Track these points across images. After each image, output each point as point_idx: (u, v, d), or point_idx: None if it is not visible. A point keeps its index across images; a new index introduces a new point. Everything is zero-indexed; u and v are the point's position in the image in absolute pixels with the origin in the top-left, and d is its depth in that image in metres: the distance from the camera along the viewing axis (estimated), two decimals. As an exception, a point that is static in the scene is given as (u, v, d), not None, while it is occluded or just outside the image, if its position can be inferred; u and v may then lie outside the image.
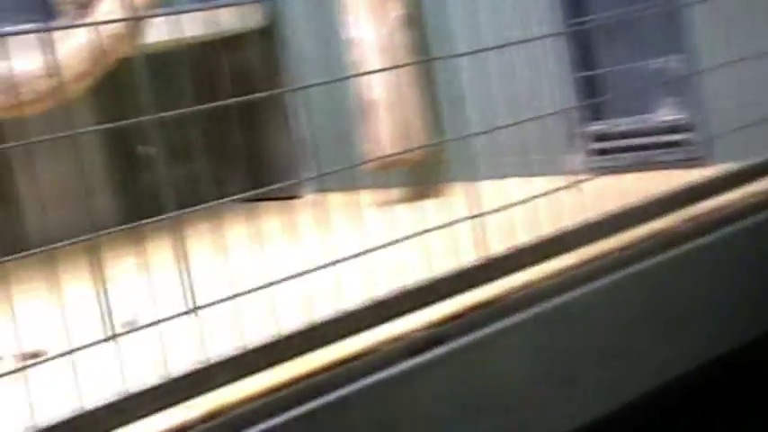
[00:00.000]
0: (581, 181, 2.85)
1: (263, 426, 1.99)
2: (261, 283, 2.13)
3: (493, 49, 2.96)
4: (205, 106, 2.22)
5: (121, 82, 4.03)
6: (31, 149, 4.61)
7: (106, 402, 1.88)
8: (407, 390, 2.24)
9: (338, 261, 2.26)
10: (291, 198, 4.83)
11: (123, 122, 2.13)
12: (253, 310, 2.11)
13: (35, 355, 2.72)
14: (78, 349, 1.88)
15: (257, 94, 2.34)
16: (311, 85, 3.11)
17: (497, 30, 3.66)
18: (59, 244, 1.91)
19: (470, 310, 2.39)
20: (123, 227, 2.06)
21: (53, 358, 1.91)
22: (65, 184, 4.06)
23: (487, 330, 2.36)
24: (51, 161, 4.52)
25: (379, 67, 4.13)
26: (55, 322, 1.97)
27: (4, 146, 2.08)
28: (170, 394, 1.95)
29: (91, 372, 1.95)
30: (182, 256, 2.05)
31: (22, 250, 1.89)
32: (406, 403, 2.24)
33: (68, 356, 1.88)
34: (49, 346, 2.27)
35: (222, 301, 2.07)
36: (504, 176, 3.66)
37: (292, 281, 2.18)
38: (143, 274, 2.09)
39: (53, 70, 3.23)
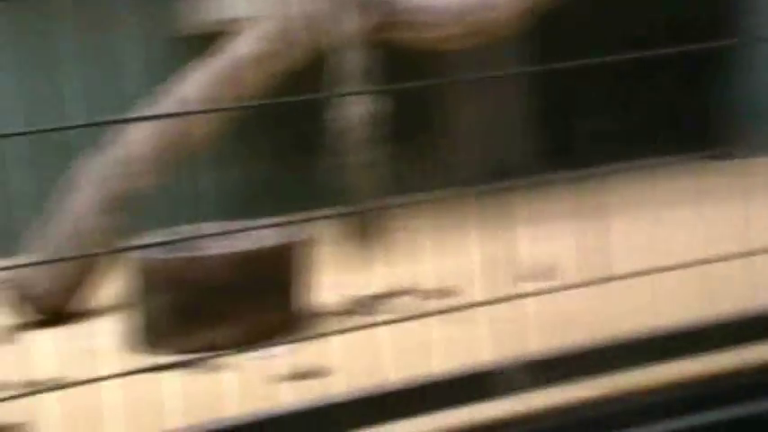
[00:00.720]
0: None
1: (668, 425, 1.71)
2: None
3: None
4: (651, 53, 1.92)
5: (555, 25, 3.84)
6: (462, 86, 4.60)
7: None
8: None
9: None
10: (741, 158, 4.31)
11: (560, 65, 1.90)
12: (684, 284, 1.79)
13: (444, 293, 2.67)
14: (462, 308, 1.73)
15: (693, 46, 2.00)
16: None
17: None
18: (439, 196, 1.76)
19: None
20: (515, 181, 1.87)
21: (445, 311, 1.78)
22: (489, 123, 3.98)
23: None
24: (477, 100, 4.48)
25: None
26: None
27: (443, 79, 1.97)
28: (563, 368, 1.74)
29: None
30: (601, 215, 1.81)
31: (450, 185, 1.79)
32: None
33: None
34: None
35: (637, 274, 1.79)
36: None
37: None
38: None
39: (492, 4, 3.13)
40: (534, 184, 1.83)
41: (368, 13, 3.02)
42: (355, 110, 2.97)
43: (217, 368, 2.13)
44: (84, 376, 1.48)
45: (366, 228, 2.92)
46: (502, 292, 1.72)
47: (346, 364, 1.83)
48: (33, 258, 3.87)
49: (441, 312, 1.73)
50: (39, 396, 1.56)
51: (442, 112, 4.83)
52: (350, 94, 2.93)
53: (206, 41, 3.31)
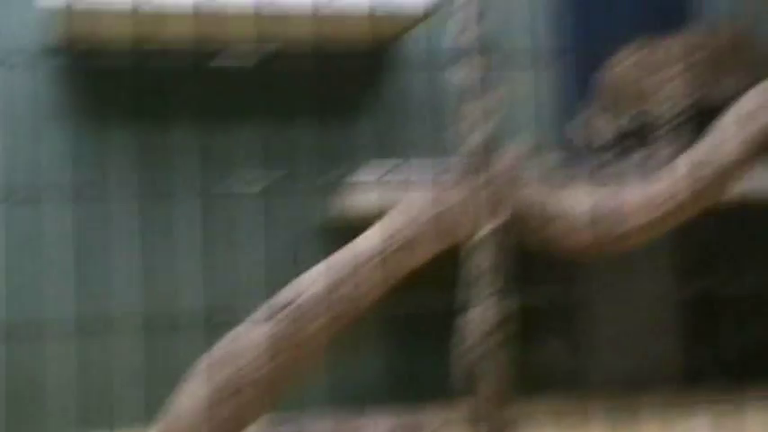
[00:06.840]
0: None
1: None
2: None
3: None
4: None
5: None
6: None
7: None
8: None
9: None
10: None
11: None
12: None
13: None
14: None
15: None
16: None
17: None
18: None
19: None
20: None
21: None
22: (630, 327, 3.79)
23: None
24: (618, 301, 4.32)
25: None
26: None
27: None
28: None
29: None
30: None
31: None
32: None
33: None
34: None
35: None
36: None
37: None
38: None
39: (660, 203, 3.02)
40: (670, 402, 1.66)
41: (500, 211, 2.94)
42: (485, 311, 2.85)
43: None
44: None
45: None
46: None
47: None
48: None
49: None
50: None
51: (580, 315, 4.62)
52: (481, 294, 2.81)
53: (340, 235, 3.28)
